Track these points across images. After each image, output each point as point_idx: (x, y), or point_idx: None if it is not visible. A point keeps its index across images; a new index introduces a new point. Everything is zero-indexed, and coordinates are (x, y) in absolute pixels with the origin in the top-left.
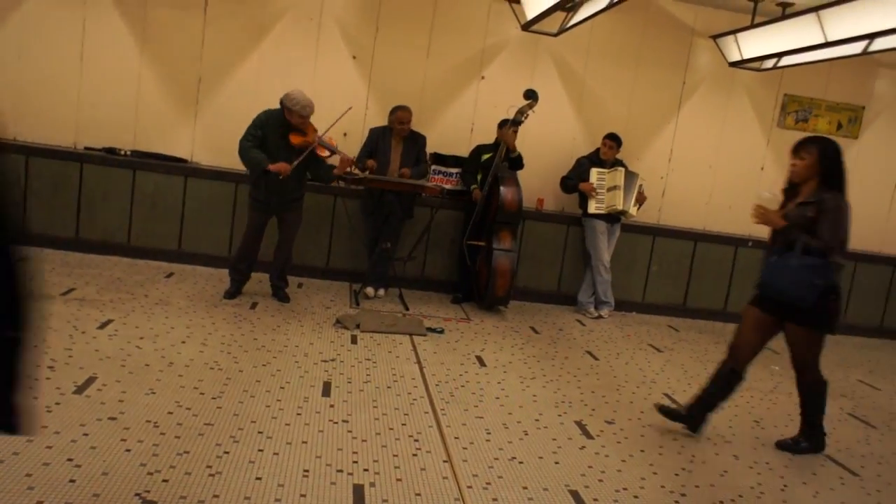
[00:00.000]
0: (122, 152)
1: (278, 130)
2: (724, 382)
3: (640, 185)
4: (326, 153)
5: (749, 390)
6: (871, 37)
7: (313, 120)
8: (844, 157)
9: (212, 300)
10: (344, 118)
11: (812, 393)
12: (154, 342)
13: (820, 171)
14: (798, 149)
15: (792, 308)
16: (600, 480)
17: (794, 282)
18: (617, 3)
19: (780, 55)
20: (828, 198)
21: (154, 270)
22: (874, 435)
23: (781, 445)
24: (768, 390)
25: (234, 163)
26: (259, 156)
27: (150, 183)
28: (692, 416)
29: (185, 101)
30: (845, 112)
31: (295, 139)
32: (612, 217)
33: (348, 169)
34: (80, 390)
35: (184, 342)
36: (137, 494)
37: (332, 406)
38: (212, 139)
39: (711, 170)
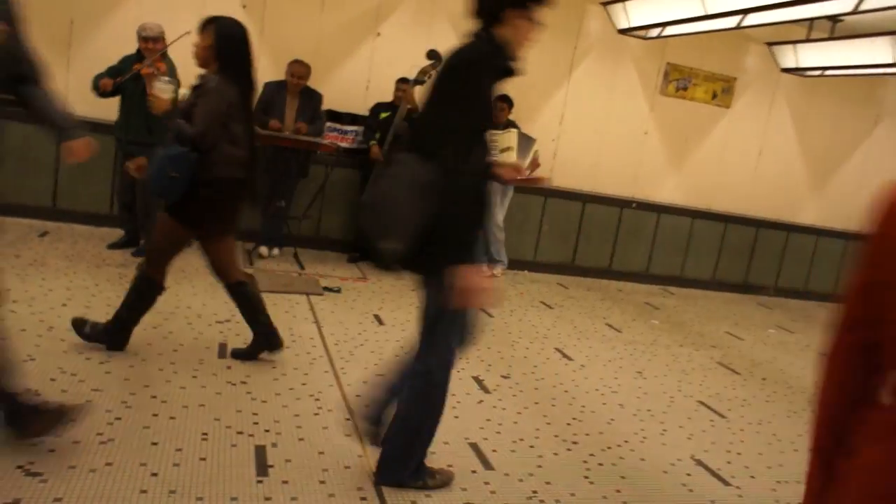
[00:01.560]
0: None
1: (127, 66)
2: (142, 293)
3: (535, 151)
4: (150, 70)
5: (632, 343)
6: (745, 12)
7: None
8: (250, 39)
9: (94, 260)
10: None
11: (237, 295)
12: (30, 305)
13: (218, 54)
14: (199, 29)
15: (175, 206)
16: (498, 433)
17: (155, 175)
18: None
19: (664, 25)
20: (209, 80)
21: (25, 229)
22: (738, 381)
23: (237, 354)
24: (649, 343)
25: (112, 113)
26: (100, 77)
27: (17, 134)
28: (111, 332)
29: (56, 45)
30: (720, 82)
31: (137, 67)
32: None
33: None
34: None
35: (64, 305)
36: (20, 467)
37: (229, 368)
38: (88, 88)
39: (600, 134)
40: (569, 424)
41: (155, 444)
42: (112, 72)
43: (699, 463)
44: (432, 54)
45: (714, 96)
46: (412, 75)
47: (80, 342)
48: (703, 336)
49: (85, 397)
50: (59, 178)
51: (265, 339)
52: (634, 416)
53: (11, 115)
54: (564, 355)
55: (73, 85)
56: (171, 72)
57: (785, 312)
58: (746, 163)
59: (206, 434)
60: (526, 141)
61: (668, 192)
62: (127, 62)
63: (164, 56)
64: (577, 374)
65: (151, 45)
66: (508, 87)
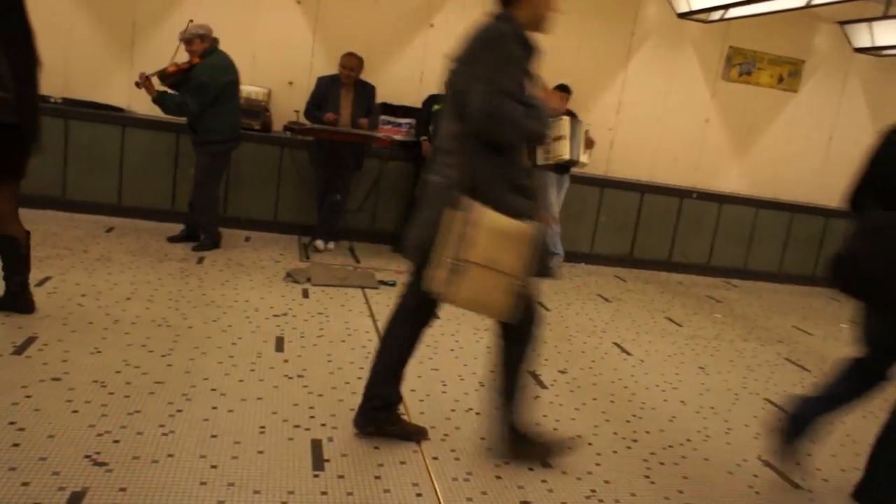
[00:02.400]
0: (53, 100)
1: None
2: (4, 251)
3: (587, 131)
4: (174, 68)
5: (694, 338)
6: None
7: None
8: None
9: (157, 255)
10: (291, 68)
11: (3, 248)
12: (97, 300)
13: None
14: None
15: None
16: (555, 429)
17: None
18: None
19: (726, 7)
20: None
21: (93, 225)
22: (808, 378)
23: None
24: (711, 337)
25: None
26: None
27: (86, 133)
28: (12, 299)
29: (120, 46)
30: (786, 65)
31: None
32: (561, 168)
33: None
34: (19, 351)
35: (129, 299)
36: (87, 456)
37: (286, 361)
38: None
39: (658, 122)
40: (628, 422)
41: (214, 436)
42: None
43: (767, 464)
44: None
45: (780, 80)
46: None
47: (143, 335)
48: (768, 330)
49: (148, 390)
50: (124, 176)
51: (13, 299)
52: (697, 414)
53: (78, 116)
54: (623, 350)
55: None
56: (197, 73)
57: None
58: (816, 149)
59: (263, 427)
60: (575, 125)
61: (730, 181)
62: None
63: (205, 55)
64: (636, 369)
65: (186, 47)
66: (565, 75)
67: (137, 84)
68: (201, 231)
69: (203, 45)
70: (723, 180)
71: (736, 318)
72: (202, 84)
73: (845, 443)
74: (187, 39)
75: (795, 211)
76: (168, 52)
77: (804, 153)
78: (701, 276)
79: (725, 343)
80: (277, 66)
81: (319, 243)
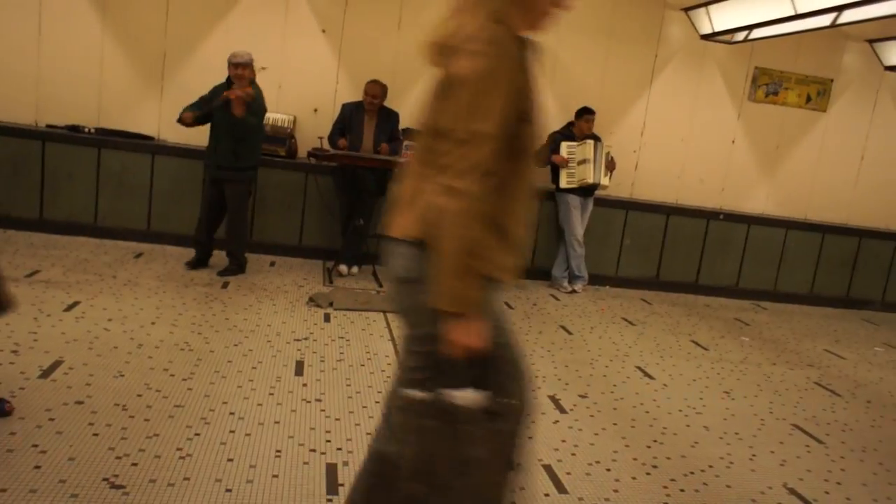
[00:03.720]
0: (86, 130)
1: (219, 94)
2: None
3: (608, 153)
4: (239, 94)
5: (720, 361)
6: (840, 9)
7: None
8: None
9: (182, 280)
10: (316, 95)
11: None
12: (122, 324)
13: None
14: None
15: None
16: (573, 454)
17: None
18: None
19: (750, 27)
20: None
21: (122, 251)
22: (839, 403)
23: None
24: (738, 361)
25: (203, 140)
26: (193, 105)
27: (117, 161)
28: None
29: (150, 77)
30: (814, 85)
31: (229, 93)
32: (586, 191)
33: (240, 95)
34: (45, 374)
35: (153, 323)
36: (105, 479)
37: (304, 385)
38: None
39: (683, 143)
40: (649, 447)
41: (230, 460)
42: (200, 103)
43: (792, 492)
44: None
45: (808, 100)
46: None
47: (165, 359)
48: (798, 354)
49: (167, 413)
50: (153, 202)
51: None
52: (720, 440)
53: (110, 144)
54: (646, 374)
55: (165, 114)
56: (258, 97)
57: (894, 329)
58: (846, 169)
59: (279, 451)
60: (598, 148)
61: (758, 202)
62: (217, 91)
63: (251, 83)
64: (658, 393)
65: (241, 71)
66: (589, 98)
67: (236, 99)
68: (230, 257)
69: (252, 72)
70: (750, 201)
71: (764, 342)
72: (264, 110)
73: (878, 471)
74: (245, 63)
75: (827, 231)
76: (195, 81)
77: (835, 173)
78: (729, 298)
79: (752, 367)
80: (303, 94)
81: (343, 268)
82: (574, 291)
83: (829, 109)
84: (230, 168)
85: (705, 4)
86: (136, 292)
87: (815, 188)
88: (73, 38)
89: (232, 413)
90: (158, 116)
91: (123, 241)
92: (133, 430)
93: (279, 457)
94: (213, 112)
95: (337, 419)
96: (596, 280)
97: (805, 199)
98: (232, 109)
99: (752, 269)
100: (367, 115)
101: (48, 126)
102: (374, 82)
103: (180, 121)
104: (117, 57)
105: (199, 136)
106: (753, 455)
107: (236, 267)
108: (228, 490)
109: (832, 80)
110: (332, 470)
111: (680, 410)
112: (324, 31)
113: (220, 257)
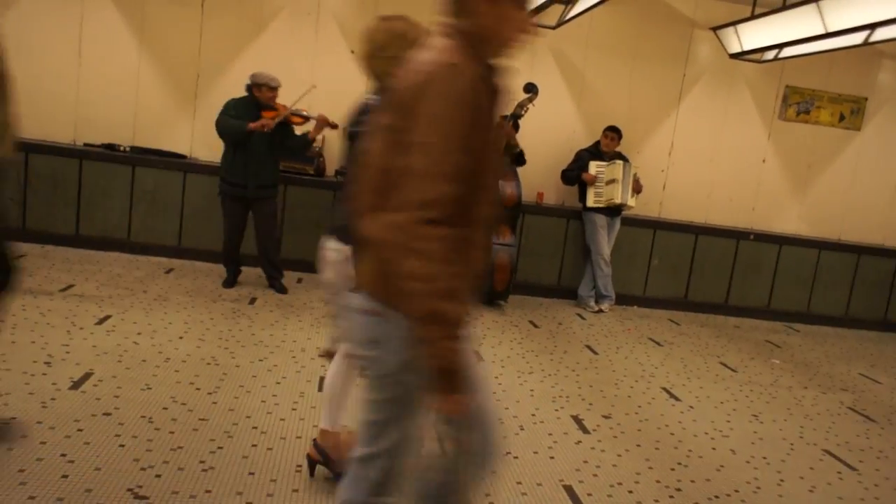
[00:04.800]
0: (122, 148)
1: (250, 112)
2: None
3: (635, 174)
4: (299, 120)
5: (749, 384)
6: (872, 27)
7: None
8: None
9: (211, 295)
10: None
11: None
12: (151, 338)
13: None
14: None
15: None
16: (595, 476)
17: None
18: None
19: (780, 46)
20: None
21: (154, 266)
22: (874, 429)
23: None
24: (768, 384)
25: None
26: (238, 122)
27: (150, 179)
28: None
29: (184, 97)
30: (847, 103)
31: (268, 115)
32: (613, 210)
33: (327, 126)
34: (76, 386)
35: (181, 337)
36: (130, 490)
37: None
38: (211, 134)
39: (712, 163)
40: (673, 469)
41: (252, 474)
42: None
43: None
44: (529, 87)
45: (842, 118)
46: (510, 109)
47: (191, 373)
48: (831, 377)
49: (192, 426)
50: (184, 219)
51: None
52: (747, 464)
53: (144, 162)
54: (672, 395)
55: (198, 132)
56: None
57: None
58: (883, 188)
59: (300, 466)
60: (626, 169)
61: (790, 222)
62: (241, 109)
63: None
64: (684, 415)
65: (276, 94)
66: (616, 117)
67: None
68: (273, 269)
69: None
70: (782, 221)
71: (796, 364)
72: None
73: None
74: (279, 86)
75: (862, 252)
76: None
77: (870, 192)
78: (760, 319)
79: (783, 390)
80: (331, 114)
81: None
82: (601, 311)
83: (864, 128)
84: (269, 186)
85: (734, 24)
86: (166, 307)
87: (850, 208)
88: (112, 61)
89: (255, 427)
90: (191, 135)
91: (155, 257)
92: (158, 442)
93: (299, 472)
94: (252, 132)
95: None
96: (623, 300)
97: (839, 219)
98: (312, 133)
99: (783, 290)
100: None
101: (86, 144)
102: None
103: (240, 132)
104: (153, 78)
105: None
106: (781, 480)
107: (280, 274)
108: (249, 503)
109: (866, 99)
110: None
111: (706, 433)
112: (353, 51)
113: (247, 273)
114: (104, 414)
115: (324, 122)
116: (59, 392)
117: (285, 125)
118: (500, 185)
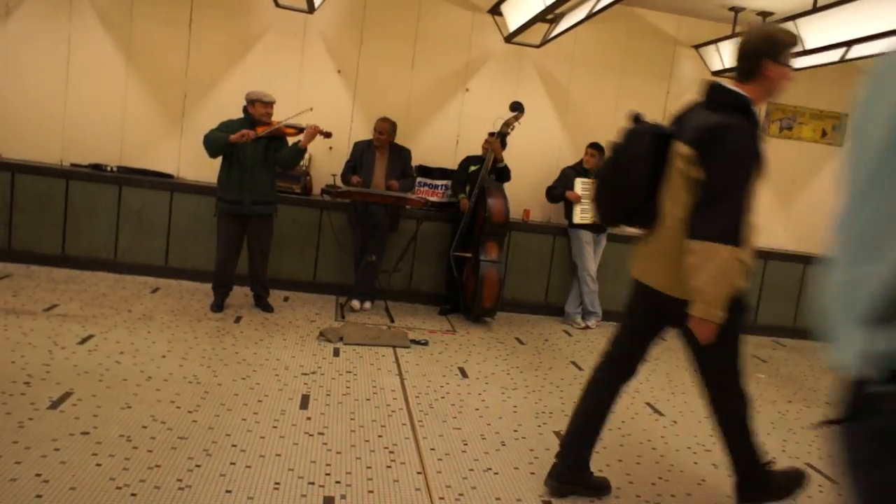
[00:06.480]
0: (109, 168)
1: (242, 128)
2: None
3: None
4: (292, 131)
5: None
6: (848, 44)
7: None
8: None
9: (196, 315)
10: (330, 140)
11: None
12: (134, 357)
13: None
14: None
15: None
16: (574, 491)
17: None
18: (597, 13)
19: None
20: None
21: (140, 286)
22: None
23: None
24: (752, 399)
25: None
26: (221, 133)
27: (137, 199)
28: None
29: (172, 117)
30: (829, 119)
31: (262, 129)
32: (599, 227)
33: (319, 134)
34: (54, 405)
35: (164, 357)
36: None
37: (308, 419)
38: (197, 154)
39: None
40: (653, 484)
41: (229, 492)
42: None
43: None
44: (515, 106)
45: (824, 134)
46: (497, 128)
47: (172, 392)
48: (816, 392)
49: (170, 445)
50: (171, 239)
51: None
52: (729, 478)
53: (131, 182)
54: (655, 410)
55: (185, 152)
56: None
57: None
58: None
59: (278, 484)
60: None
61: (775, 237)
62: (234, 128)
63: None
64: (667, 430)
65: (270, 110)
66: (601, 133)
67: (314, 131)
68: (261, 288)
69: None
70: (768, 236)
71: (781, 379)
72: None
73: None
74: (273, 102)
75: None
76: (213, 120)
77: None
78: (746, 334)
79: (766, 404)
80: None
81: (356, 303)
82: (587, 327)
83: (846, 143)
84: (267, 202)
85: (715, 42)
86: (150, 326)
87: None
88: (99, 81)
89: (234, 445)
90: (178, 155)
91: (141, 277)
92: (135, 461)
93: (277, 489)
94: (244, 148)
95: (338, 452)
96: (610, 316)
97: (824, 233)
98: (303, 141)
99: (769, 305)
100: (378, 152)
101: (73, 165)
102: (384, 119)
103: (225, 143)
104: (140, 98)
105: (216, 173)
106: None
107: (266, 292)
108: None
109: (847, 115)
110: (329, 502)
111: (688, 447)
112: (339, 71)
113: (234, 292)
114: (82, 433)
115: (315, 131)
116: (36, 412)
117: (278, 139)
118: (487, 201)
